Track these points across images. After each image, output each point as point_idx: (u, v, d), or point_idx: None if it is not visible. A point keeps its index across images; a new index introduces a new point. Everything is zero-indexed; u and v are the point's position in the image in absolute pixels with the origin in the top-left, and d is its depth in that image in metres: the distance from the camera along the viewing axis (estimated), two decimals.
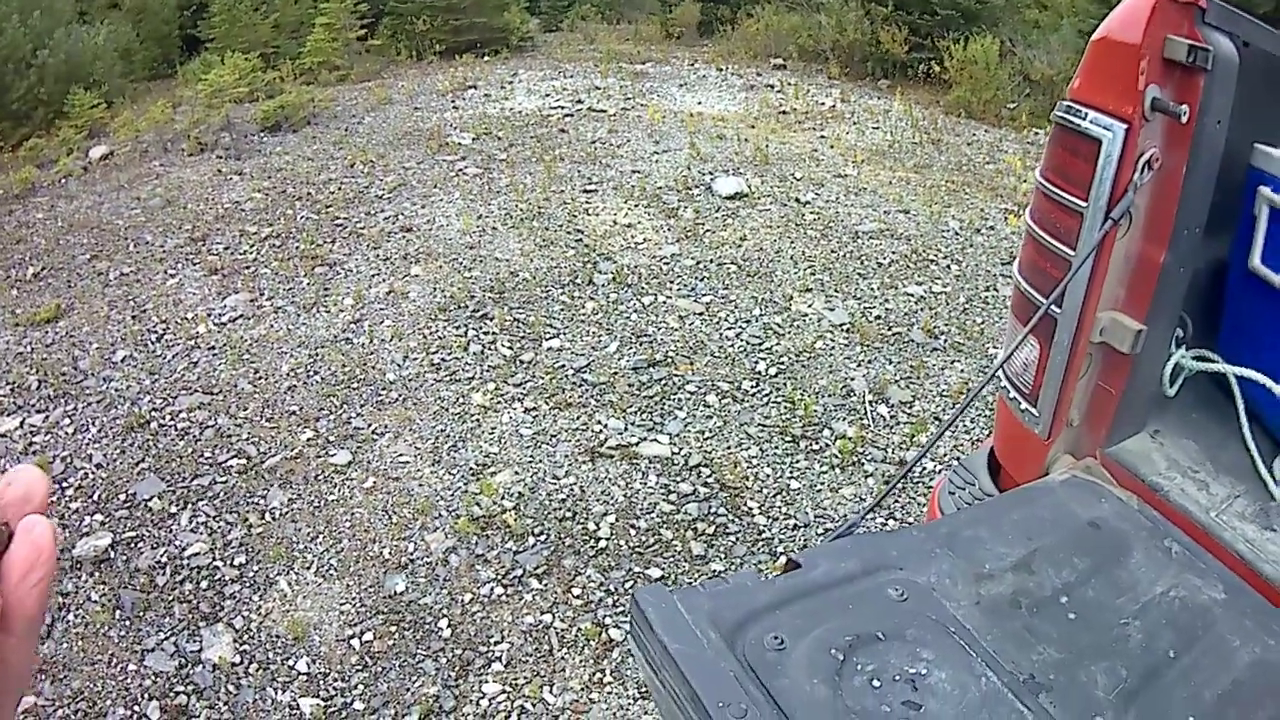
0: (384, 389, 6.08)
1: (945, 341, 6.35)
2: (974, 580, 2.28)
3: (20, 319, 7.43)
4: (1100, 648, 2.12)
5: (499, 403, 5.88)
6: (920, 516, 4.93)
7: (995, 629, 2.15)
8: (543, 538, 4.92)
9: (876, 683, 2.01)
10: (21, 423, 6.21)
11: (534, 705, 4.14)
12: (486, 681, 4.26)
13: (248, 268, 7.79)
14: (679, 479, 5.22)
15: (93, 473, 5.66)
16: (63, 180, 10.56)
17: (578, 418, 5.70)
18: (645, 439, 5.52)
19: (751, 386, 5.91)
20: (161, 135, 11.29)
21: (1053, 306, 2.58)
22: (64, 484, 5.63)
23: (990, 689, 2.01)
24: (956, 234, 7.86)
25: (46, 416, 6.23)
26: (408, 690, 4.24)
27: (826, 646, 2.08)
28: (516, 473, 5.33)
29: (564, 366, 6.16)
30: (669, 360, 6.17)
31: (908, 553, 2.35)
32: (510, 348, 6.38)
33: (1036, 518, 2.53)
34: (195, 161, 10.46)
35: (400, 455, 5.53)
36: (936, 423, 5.61)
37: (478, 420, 5.75)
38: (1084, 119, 2.46)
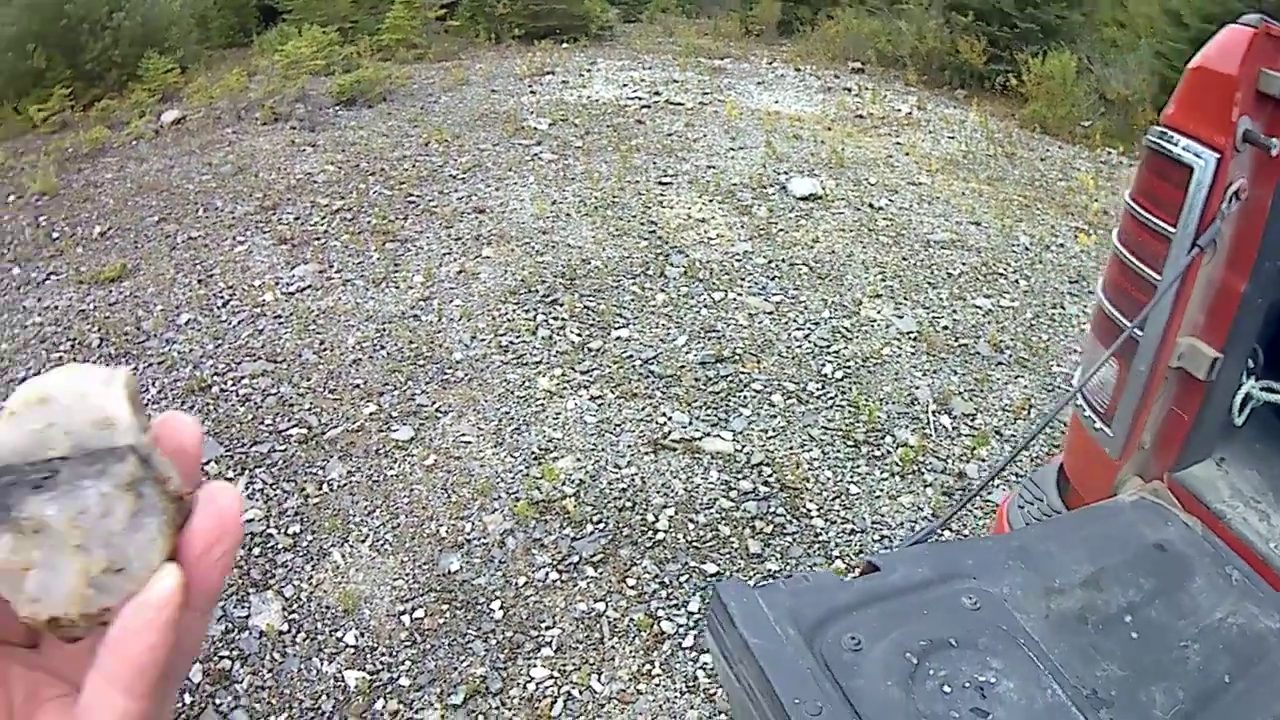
0: (450, 368, 6.13)
1: (1010, 356, 6.34)
2: (1044, 594, 2.32)
3: (84, 276, 7.53)
4: (1160, 668, 2.16)
5: (565, 389, 5.93)
6: (976, 529, 4.95)
7: (1062, 643, 2.19)
8: (601, 526, 4.96)
9: (947, 688, 2.06)
10: None
11: (581, 692, 4.17)
12: (535, 665, 4.29)
13: (318, 239, 7.87)
14: (740, 476, 5.25)
15: None
16: (133, 142, 10.67)
17: (642, 409, 5.74)
18: (709, 434, 5.54)
19: (817, 388, 5.93)
20: (235, 103, 11.40)
21: (1135, 329, 2.61)
22: None
23: (1055, 702, 2.05)
24: (1026, 249, 7.85)
25: None
26: (455, 669, 4.28)
27: (901, 650, 2.13)
28: (578, 459, 5.37)
29: (631, 357, 6.19)
30: (736, 357, 6.19)
31: (982, 563, 2.39)
32: (579, 334, 6.42)
33: (1105, 536, 2.56)
34: (268, 131, 10.55)
35: (463, 435, 5.58)
36: (997, 436, 5.61)
37: (542, 405, 5.79)
38: (1176, 145, 2.49)
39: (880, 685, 2.06)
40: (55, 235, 8.42)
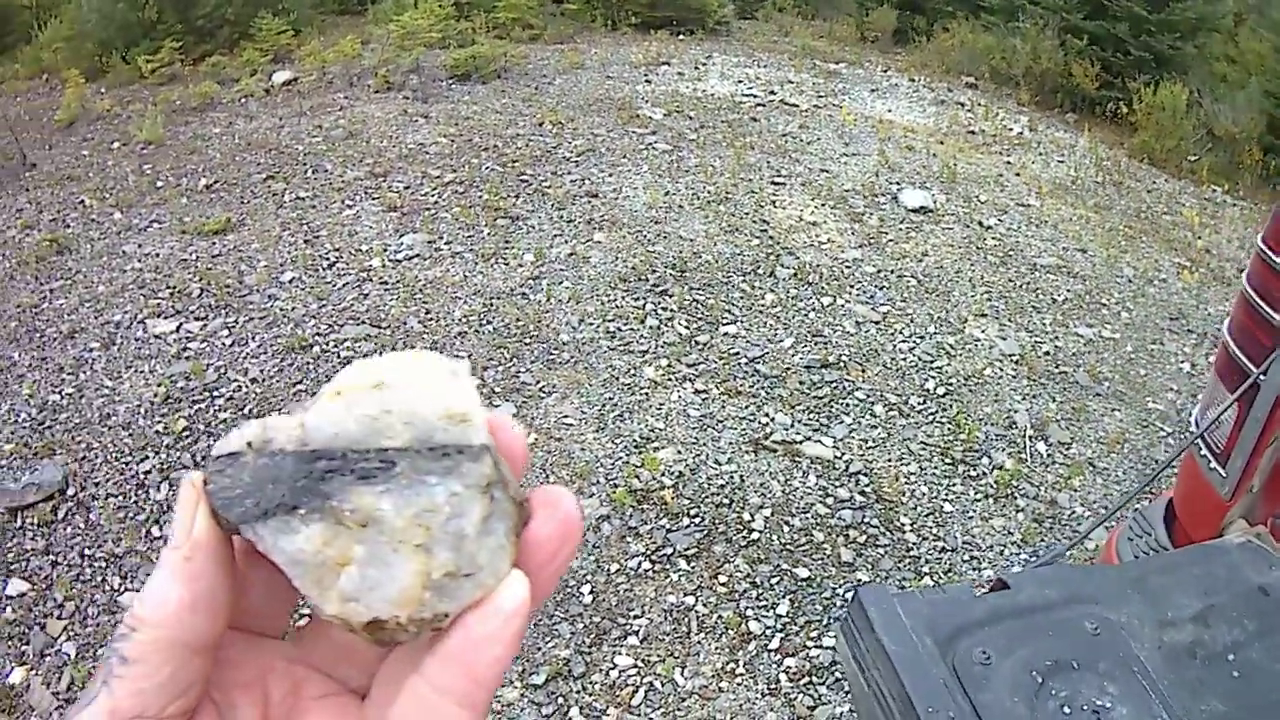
0: (556, 349, 6.23)
1: (1108, 388, 6.36)
2: (1158, 626, 2.39)
3: (188, 227, 7.72)
4: (1259, 709, 2.24)
5: (670, 380, 6.01)
6: (1071, 556, 4.98)
7: (1172, 674, 2.27)
8: (697, 520, 5.03)
9: (1067, 709, 2.15)
10: (178, 327, 6.45)
11: (663, 684, 4.24)
12: (620, 653, 4.37)
13: (428, 209, 7.99)
14: (838, 483, 5.31)
15: (247, 386, 5.89)
16: (243, 100, 10.89)
17: (746, 407, 5.81)
18: (810, 438, 5.60)
19: (919, 402, 5.98)
20: (348, 69, 11.58)
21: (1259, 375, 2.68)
22: (214, 393, 5.84)
23: None
24: (1130, 281, 7.85)
25: (205, 324, 6.46)
26: (539, 649, 4.37)
27: (1028, 668, 2.22)
28: (679, 452, 5.45)
29: (738, 354, 6.26)
30: (842, 364, 6.25)
31: (1103, 590, 2.47)
32: (687, 327, 6.50)
33: (1213, 575, 2.63)
34: (381, 99, 10.70)
35: (565, 417, 5.68)
36: (1091, 468, 5.63)
37: (647, 394, 5.88)
38: None
39: (1007, 701, 2.16)
40: (159, 184, 8.64)
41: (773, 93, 11.55)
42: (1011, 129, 11.64)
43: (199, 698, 0.60)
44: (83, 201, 8.47)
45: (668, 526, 4.98)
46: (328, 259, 7.20)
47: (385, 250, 7.33)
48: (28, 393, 5.98)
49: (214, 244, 7.46)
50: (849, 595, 4.71)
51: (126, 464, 5.43)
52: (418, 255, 7.28)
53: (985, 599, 2.46)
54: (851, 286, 7.13)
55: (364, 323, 6.45)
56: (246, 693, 0.64)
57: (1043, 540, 5.10)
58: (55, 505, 5.24)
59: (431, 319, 6.50)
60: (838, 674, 4.34)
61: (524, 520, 0.60)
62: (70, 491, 5.31)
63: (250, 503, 0.58)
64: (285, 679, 0.66)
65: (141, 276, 7.09)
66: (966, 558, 4.96)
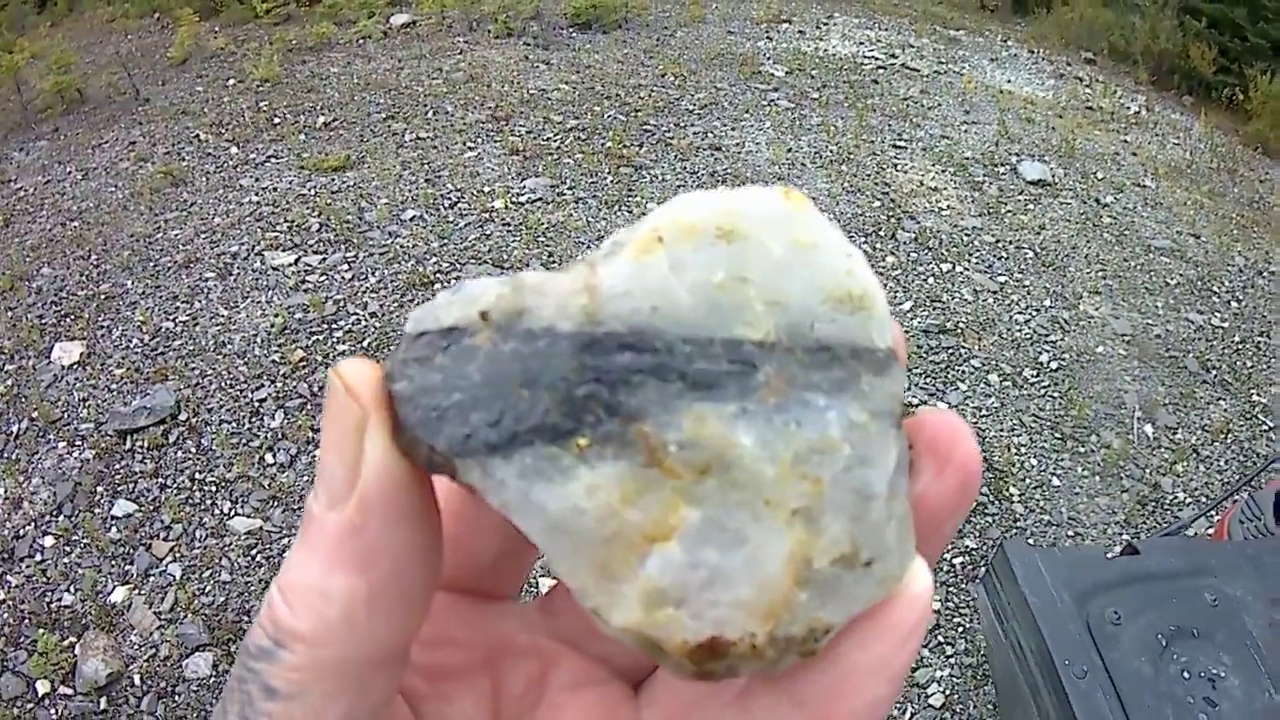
0: None
1: (1215, 377, 6.39)
2: (1269, 603, 2.52)
3: (306, 163, 7.87)
4: None
5: None
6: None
7: None
8: None
9: (1186, 675, 2.29)
10: (296, 260, 6.61)
11: None
12: None
13: (550, 154, 8.07)
14: None
15: (366, 320, 6.02)
16: (360, 41, 10.98)
17: None
18: (926, 402, 5.71)
19: (1032, 375, 6.06)
20: (468, 14, 11.60)
21: None
22: (333, 325, 5.98)
23: (1272, 706, 2.27)
24: (1241, 270, 7.83)
25: (324, 258, 6.61)
26: None
27: (1154, 631, 2.36)
28: None
29: None
30: (959, 331, 6.34)
31: (1222, 564, 2.60)
32: None
33: None
34: (501, 45, 10.74)
35: None
36: (1195, 456, 5.69)
37: None
38: None
39: (1135, 661, 2.30)
40: (276, 121, 8.81)
41: (894, 56, 11.51)
42: (1129, 107, 11.55)
43: None
44: (198, 136, 8.67)
45: None
46: (449, 199, 7.31)
47: (508, 192, 7.43)
48: (140, 319, 6.18)
49: (333, 180, 7.61)
50: (957, 560, 4.82)
51: (241, 391, 5.60)
52: (540, 199, 7.38)
53: (1117, 562, 2.60)
54: (970, 255, 7.19)
55: (486, 262, 6.57)
56: (466, 684, 0.48)
57: (1145, 523, 5.16)
58: (166, 429, 5.41)
59: (554, 262, 6.55)
60: (940, 638, 4.45)
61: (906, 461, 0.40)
62: (182, 416, 5.48)
63: (480, 420, 0.38)
64: (526, 661, 0.49)
65: (259, 210, 7.27)
66: (1071, 533, 5.04)
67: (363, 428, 0.38)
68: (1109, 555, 2.71)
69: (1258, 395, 6.30)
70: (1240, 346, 6.77)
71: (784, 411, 0.37)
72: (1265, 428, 6.03)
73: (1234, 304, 7.29)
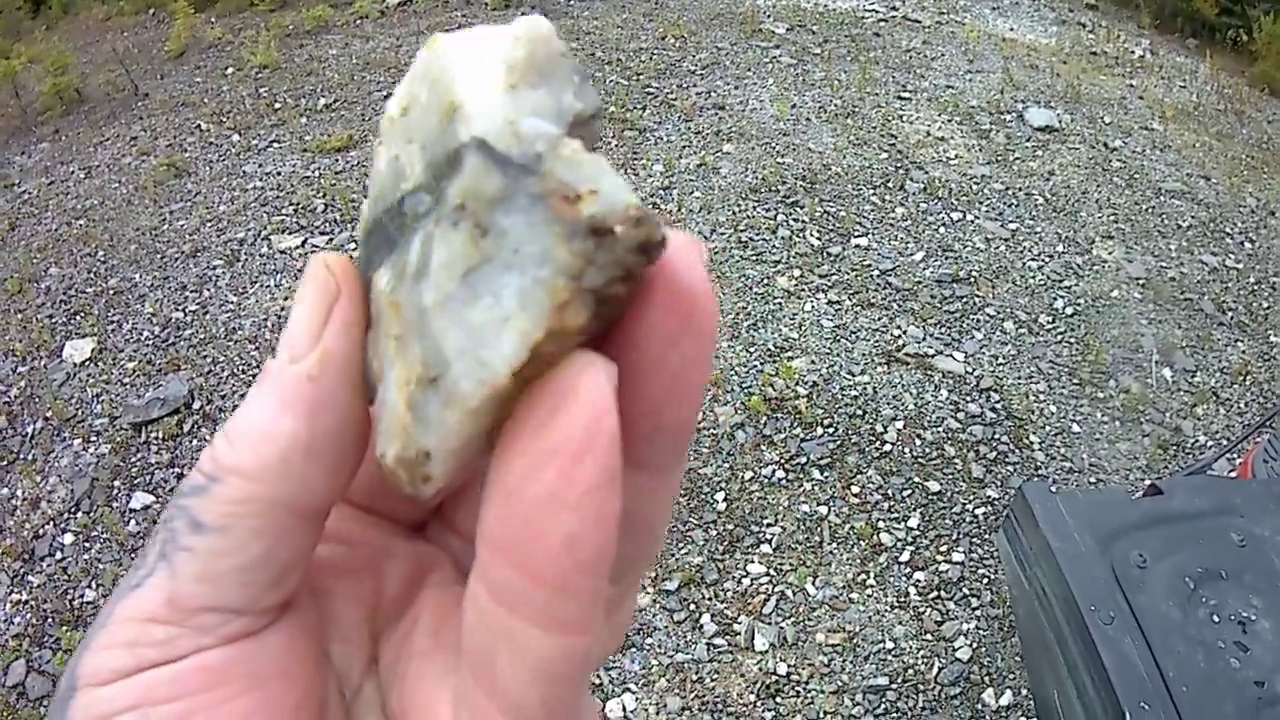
0: None
1: (1232, 319, 6.34)
2: None
3: (309, 145, 7.85)
4: None
5: (803, 290, 6.08)
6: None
7: None
8: (831, 430, 5.12)
9: (1215, 618, 2.25)
10: (304, 242, 6.62)
11: (794, 593, 4.36)
12: (752, 561, 4.49)
13: None
14: (969, 398, 5.39)
15: None
16: (358, 22, 10.91)
17: (879, 319, 5.88)
18: (942, 352, 5.68)
19: (1048, 321, 6.02)
20: None
21: None
22: None
23: None
24: (1253, 211, 7.76)
25: (330, 239, 6.61)
26: (673, 555, 4.49)
27: (1181, 574, 2.32)
28: (813, 361, 5.54)
29: (870, 266, 6.31)
30: (972, 279, 6.29)
31: (1248, 502, 2.56)
32: (819, 238, 6.55)
33: None
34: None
35: None
36: (1214, 398, 5.66)
37: (780, 304, 5.96)
38: None
39: (1162, 605, 2.26)
40: (277, 106, 8.78)
41: (894, 8, 11.40)
42: (1133, 51, 11.46)
43: (296, 589, 0.45)
44: (199, 126, 8.64)
45: (802, 436, 5.08)
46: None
47: None
48: (150, 311, 6.20)
49: (337, 161, 7.60)
50: (980, 510, 4.81)
51: (253, 377, 5.54)
52: None
53: (1141, 503, 2.56)
54: (980, 203, 7.14)
55: None
56: (352, 580, 0.49)
57: (1166, 467, 5.14)
58: (180, 419, 5.44)
59: None
60: (965, 590, 4.43)
61: (630, 284, 0.37)
62: (196, 405, 5.51)
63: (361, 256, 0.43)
64: (406, 564, 0.51)
65: (263, 195, 7.27)
66: (1093, 479, 5.02)
67: (334, 298, 0.43)
68: (1133, 496, 2.68)
69: (1275, 336, 6.25)
70: (1255, 287, 6.72)
71: (402, 250, 0.39)
72: None
73: (1247, 245, 7.23)
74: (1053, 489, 2.56)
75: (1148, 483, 2.78)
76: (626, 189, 0.37)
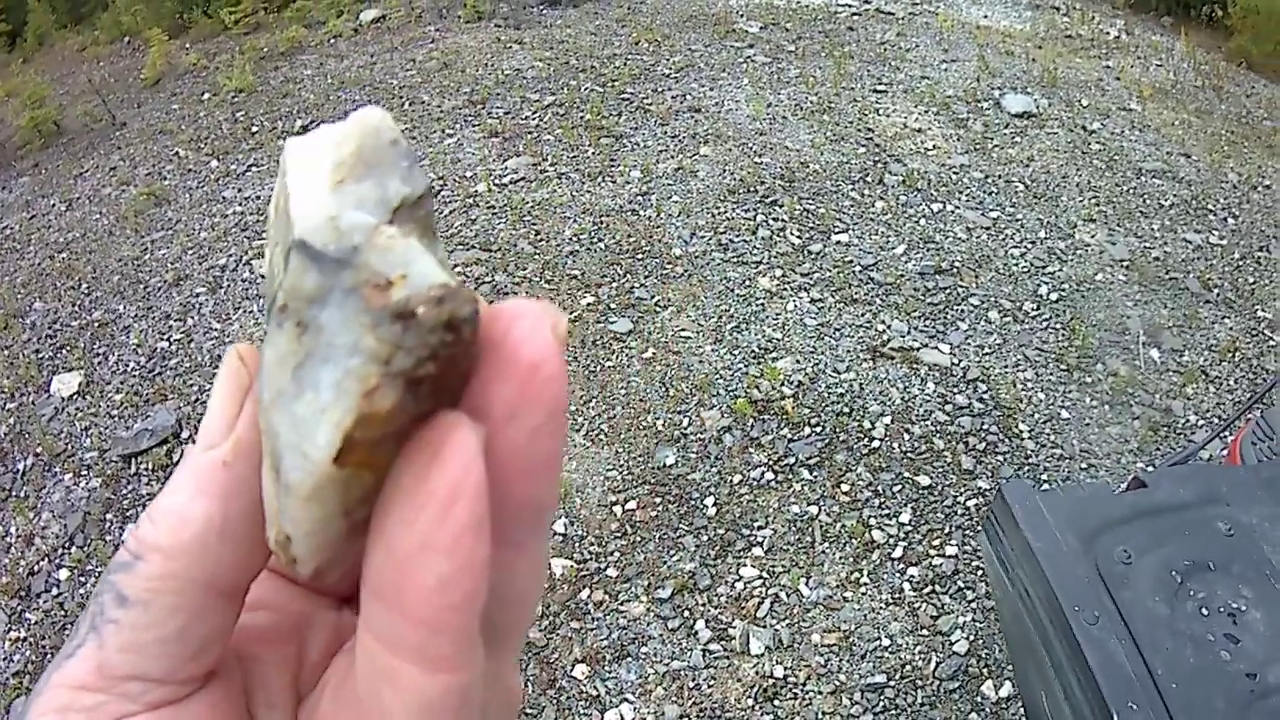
0: (669, 263, 6.29)
1: (1218, 295, 6.34)
2: None
3: None
4: None
5: (785, 289, 6.07)
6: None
7: None
8: (818, 429, 5.11)
9: (1205, 611, 2.23)
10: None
11: (788, 595, 4.35)
12: (745, 565, 4.48)
13: (530, 133, 8.03)
14: (956, 390, 5.38)
15: None
16: (331, 40, 10.94)
17: (862, 314, 5.88)
18: (927, 345, 5.67)
19: (1033, 308, 6.02)
20: (437, 2, 11.53)
21: None
22: None
23: None
24: (1235, 187, 7.76)
25: None
26: (665, 563, 4.48)
27: (1167, 568, 2.30)
28: (798, 361, 5.53)
29: (852, 262, 6.31)
30: (955, 270, 6.29)
31: (1235, 490, 2.53)
32: (799, 237, 6.54)
33: None
34: (472, 29, 10.66)
35: (682, 330, 5.76)
36: (1204, 377, 5.66)
37: (762, 304, 5.95)
38: None
39: (1148, 601, 2.24)
40: (254, 130, 8.81)
41: (867, 2, 11.43)
42: (1109, 33, 11.46)
43: (218, 659, 0.46)
44: (177, 153, 8.66)
45: (789, 436, 5.07)
46: (432, 187, 7.23)
47: (490, 175, 7.40)
48: (135, 342, 6.21)
49: None
50: (971, 502, 4.80)
51: None
52: (523, 178, 7.35)
53: (1124, 497, 2.53)
54: (960, 193, 7.14)
55: (474, 247, 6.56)
56: (277, 648, 0.50)
57: (1158, 449, 5.14)
58: (169, 449, 5.43)
59: (542, 240, 6.59)
60: (960, 583, 4.43)
61: (465, 361, 0.38)
62: (184, 435, 5.50)
63: None
64: (326, 632, 0.51)
65: (244, 219, 7.29)
66: (1084, 465, 5.02)
67: (247, 390, 0.45)
68: (1115, 490, 2.66)
69: (1262, 311, 6.25)
70: (1240, 263, 6.72)
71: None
72: (1273, 343, 5.99)
73: (1230, 221, 7.23)
74: (1032, 485, 2.55)
75: (1139, 470, 2.77)
76: (436, 269, 0.38)
